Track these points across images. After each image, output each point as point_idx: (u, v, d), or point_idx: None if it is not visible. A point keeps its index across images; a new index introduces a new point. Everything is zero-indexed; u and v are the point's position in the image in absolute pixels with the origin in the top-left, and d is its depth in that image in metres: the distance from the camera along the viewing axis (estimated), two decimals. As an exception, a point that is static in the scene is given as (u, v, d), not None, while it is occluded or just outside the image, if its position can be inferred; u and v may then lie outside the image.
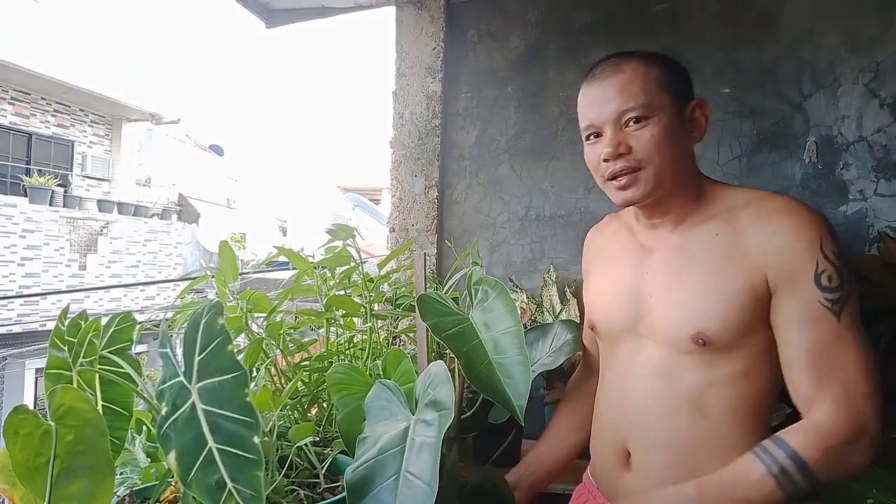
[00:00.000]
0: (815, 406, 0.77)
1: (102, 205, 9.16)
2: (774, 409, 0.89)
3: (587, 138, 0.93)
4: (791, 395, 0.82)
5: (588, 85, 0.92)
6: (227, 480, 0.68)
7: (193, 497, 0.69)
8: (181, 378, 0.75)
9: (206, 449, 0.69)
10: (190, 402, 0.73)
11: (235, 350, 0.83)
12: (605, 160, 0.89)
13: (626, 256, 0.98)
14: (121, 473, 1.03)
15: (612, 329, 0.99)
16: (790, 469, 0.74)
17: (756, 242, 0.83)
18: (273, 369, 1.19)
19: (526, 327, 1.12)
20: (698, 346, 0.85)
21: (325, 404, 1.23)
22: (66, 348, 0.93)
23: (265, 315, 1.19)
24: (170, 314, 1.21)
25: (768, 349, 0.84)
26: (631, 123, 0.86)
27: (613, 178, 0.89)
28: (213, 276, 1.22)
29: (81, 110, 9.62)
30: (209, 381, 0.73)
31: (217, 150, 13.90)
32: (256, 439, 0.69)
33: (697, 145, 0.94)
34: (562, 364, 1.27)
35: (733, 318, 0.83)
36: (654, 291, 0.91)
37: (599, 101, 0.89)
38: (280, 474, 0.90)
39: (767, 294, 0.82)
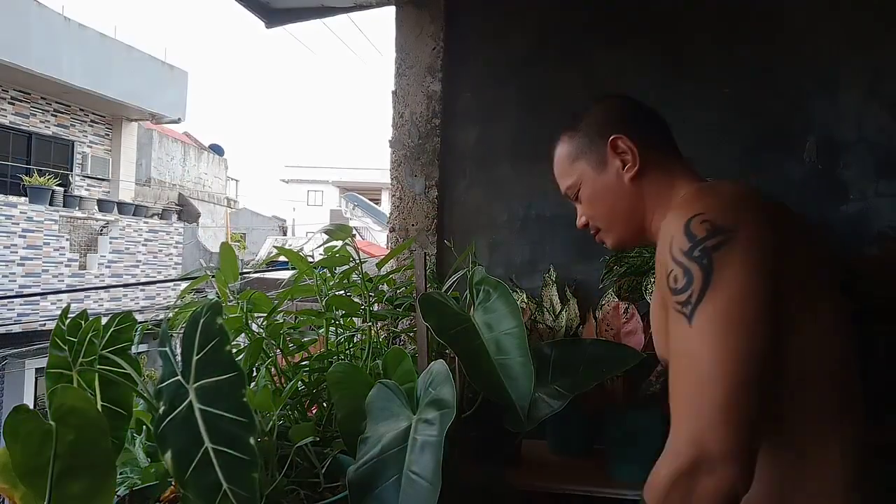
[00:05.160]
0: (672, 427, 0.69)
1: (102, 205, 9.16)
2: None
3: None
4: None
5: None
6: (223, 481, 0.68)
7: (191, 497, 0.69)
8: (179, 377, 0.75)
9: (203, 450, 0.69)
10: (187, 401, 0.73)
11: (234, 350, 0.83)
12: None
13: None
14: (121, 473, 1.02)
15: None
16: None
17: None
18: (273, 369, 1.19)
19: (526, 328, 1.12)
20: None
21: (325, 404, 1.23)
22: (66, 348, 0.93)
23: (265, 315, 1.19)
24: (170, 314, 1.21)
25: None
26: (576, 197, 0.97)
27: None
28: (213, 276, 1.22)
29: (81, 110, 9.62)
30: (207, 380, 0.73)
31: (217, 150, 13.89)
32: (252, 440, 0.69)
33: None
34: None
35: (662, 341, 0.86)
36: None
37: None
38: (280, 474, 0.90)
39: None
